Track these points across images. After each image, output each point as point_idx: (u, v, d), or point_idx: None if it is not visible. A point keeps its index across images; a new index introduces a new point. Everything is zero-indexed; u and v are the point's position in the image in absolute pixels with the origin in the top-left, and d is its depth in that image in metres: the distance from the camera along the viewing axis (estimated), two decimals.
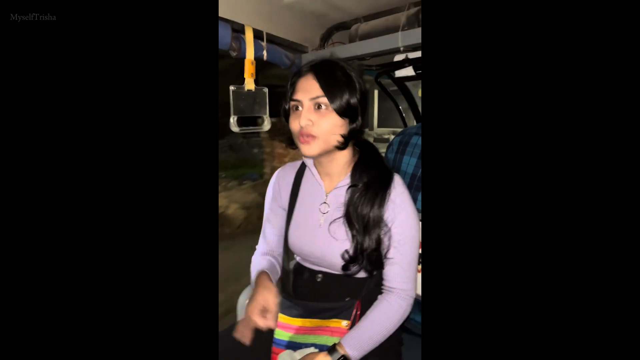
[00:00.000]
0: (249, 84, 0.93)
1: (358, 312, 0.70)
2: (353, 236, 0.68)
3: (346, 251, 0.69)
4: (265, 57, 0.94)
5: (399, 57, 1.38)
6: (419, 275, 0.82)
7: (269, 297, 0.65)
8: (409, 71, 1.50)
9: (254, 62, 0.89)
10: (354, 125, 0.69)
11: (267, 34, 0.93)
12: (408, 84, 1.68)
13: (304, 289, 0.75)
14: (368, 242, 0.68)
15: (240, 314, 0.95)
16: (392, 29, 0.99)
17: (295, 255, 0.80)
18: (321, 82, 0.65)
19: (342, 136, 0.67)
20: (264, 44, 0.92)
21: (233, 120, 0.92)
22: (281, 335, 0.72)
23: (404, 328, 0.75)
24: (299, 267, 0.78)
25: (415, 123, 1.81)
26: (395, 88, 1.73)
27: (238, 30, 0.87)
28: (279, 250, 0.81)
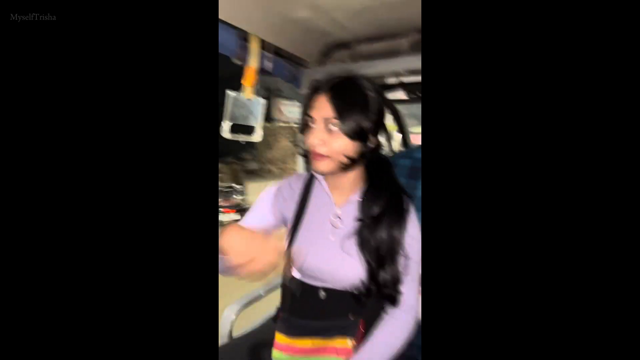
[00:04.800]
0: (248, 93, 0.91)
1: (362, 331, 0.67)
2: (367, 262, 0.66)
3: (362, 282, 0.67)
4: (269, 69, 0.93)
5: (392, 81, 1.42)
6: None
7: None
8: (400, 94, 1.54)
9: (258, 71, 0.88)
10: (366, 147, 0.68)
11: (273, 45, 0.92)
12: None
13: (304, 306, 0.71)
14: (384, 277, 0.65)
15: (222, 337, 0.89)
16: (394, 53, 1.02)
17: (292, 271, 0.75)
18: (334, 104, 0.64)
19: (350, 158, 0.66)
20: (270, 55, 0.91)
21: (226, 126, 0.90)
22: (280, 357, 0.68)
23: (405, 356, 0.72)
24: (298, 283, 0.73)
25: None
26: None
27: (244, 38, 0.85)
28: None
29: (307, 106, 0.69)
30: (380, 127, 0.69)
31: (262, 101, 0.96)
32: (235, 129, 0.93)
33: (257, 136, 1.04)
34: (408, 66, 1.02)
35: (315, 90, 0.68)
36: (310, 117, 0.66)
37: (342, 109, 0.63)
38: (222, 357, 0.73)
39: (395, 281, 0.67)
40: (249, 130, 0.98)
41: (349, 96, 0.65)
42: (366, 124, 0.65)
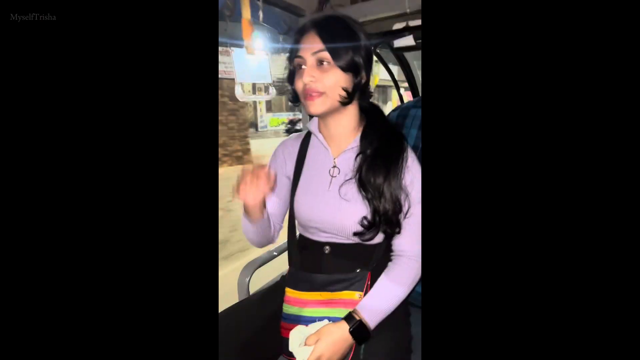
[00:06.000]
0: (250, 48, 0.86)
1: (369, 283, 0.67)
2: (369, 200, 0.66)
3: (364, 217, 0.66)
4: (261, 19, 0.86)
5: (398, 25, 1.32)
6: None
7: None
8: (408, 40, 1.44)
9: (252, 22, 0.82)
10: (358, 79, 0.67)
11: None
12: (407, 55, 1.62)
13: (311, 262, 0.71)
14: (386, 205, 0.65)
15: (240, 294, 0.92)
16: None
17: (298, 229, 0.76)
18: (323, 37, 0.63)
19: (346, 91, 0.65)
20: (260, 3, 0.84)
21: (238, 87, 0.86)
22: (291, 310, 0.69)
23: (407, 301, 0.73)
24: (304, 240, 0.74)
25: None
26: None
27: None
28: (277, 220, 0.79)
29: (294, 49, 0.67)
30: (368, 63, 0.67)
31: (266, 54, 0.91)
32: (246, 88, 0.89)
33: (271, 94, 1.00)
34: (410, 5, 0.93)
35: (299, 32, 0.67)
36: (300, 57, 0.65)
37: (332, 41, 0.63)
38: (238, 312, 0.75)
39: (397, 207, 0.66)
40: (261, 89, 0.94)
41: (335, 29, 0.65)
42: (357, 56, 0.65)
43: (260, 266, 0.96)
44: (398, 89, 1.85)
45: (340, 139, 0.72)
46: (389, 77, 1.79)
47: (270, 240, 0.78)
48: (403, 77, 1.72)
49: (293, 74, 0.68)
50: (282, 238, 0.81)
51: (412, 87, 1.73)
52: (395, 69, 1.76)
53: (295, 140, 0.79)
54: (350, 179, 0.68)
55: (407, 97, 1.89)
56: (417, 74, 1.69)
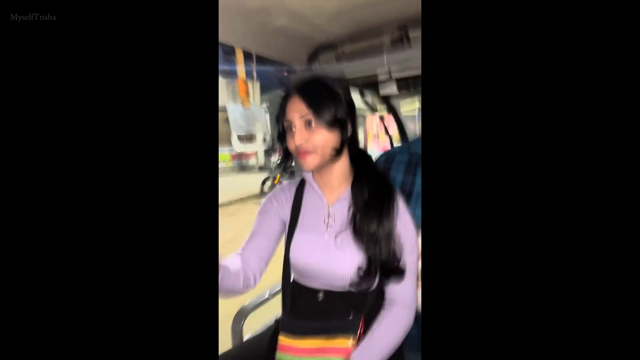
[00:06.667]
0: (245, 102, 0.95)
1: (362, 329, 0.69)
2: (364, 250, 0.69)
3: (360, 268, 0.69)
4: (255, 78, 0.96)
5: (382, 76, 1.43)
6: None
7: None
8: (392, 89, 1.55)
9: (247, 81, 0.91)
10: (344, 134, 0.72)
11: (256, 55, 0.95)
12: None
13: (304, 307, 0.73)
14: (382, 255, 0.68)
15: (234, 340, 0.92)
16: (376, 50, 1.04)
17: (292, 275, 0.78)
18: (306, 101, 0.69)
19: (335, 148, 0.71)
20: (253, 65, 0.94)
21: (233, 138, 0.93)
22: (284, 358, 0.70)
23: (402, 346, 0.74)
24: (297, 287, 0.76)
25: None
26: None
27: (228, 52, 0.89)
28: (262, 264, 0.76)
29: (282, 114, 0.73)
30: (352, 117, 0.73)
31: (262, 109, 1.00)
32: (242, 139, 0.97)
33: (260, 144, 1.08)
34: (394, 62, 1.03)
35: (286, 98, 0.73)
36: (289, 121, 0.70)
37: (315, 103, 0.68)
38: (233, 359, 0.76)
39: (395, 256, 0.69)
40: (252, 139, 1.01)
41: (317, 92, 0.70)
42: (340, 113, 0.70)
43: (252, 311, 0.96)
44: (382, 118, 1.93)
45: (333, 187, 0.76)
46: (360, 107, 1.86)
47: (239, 290, 0.71)
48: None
49: (284, 134, 0.74)
50: (275, 279, 0.82)
51: (401, 132, 1.83)
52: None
53: (291, 186, 0.82)
54: (345, 229, 0.71)
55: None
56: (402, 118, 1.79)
